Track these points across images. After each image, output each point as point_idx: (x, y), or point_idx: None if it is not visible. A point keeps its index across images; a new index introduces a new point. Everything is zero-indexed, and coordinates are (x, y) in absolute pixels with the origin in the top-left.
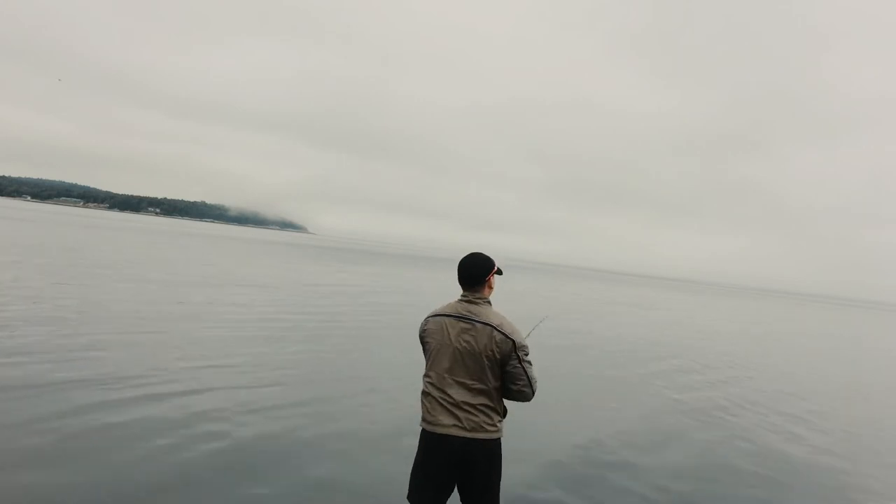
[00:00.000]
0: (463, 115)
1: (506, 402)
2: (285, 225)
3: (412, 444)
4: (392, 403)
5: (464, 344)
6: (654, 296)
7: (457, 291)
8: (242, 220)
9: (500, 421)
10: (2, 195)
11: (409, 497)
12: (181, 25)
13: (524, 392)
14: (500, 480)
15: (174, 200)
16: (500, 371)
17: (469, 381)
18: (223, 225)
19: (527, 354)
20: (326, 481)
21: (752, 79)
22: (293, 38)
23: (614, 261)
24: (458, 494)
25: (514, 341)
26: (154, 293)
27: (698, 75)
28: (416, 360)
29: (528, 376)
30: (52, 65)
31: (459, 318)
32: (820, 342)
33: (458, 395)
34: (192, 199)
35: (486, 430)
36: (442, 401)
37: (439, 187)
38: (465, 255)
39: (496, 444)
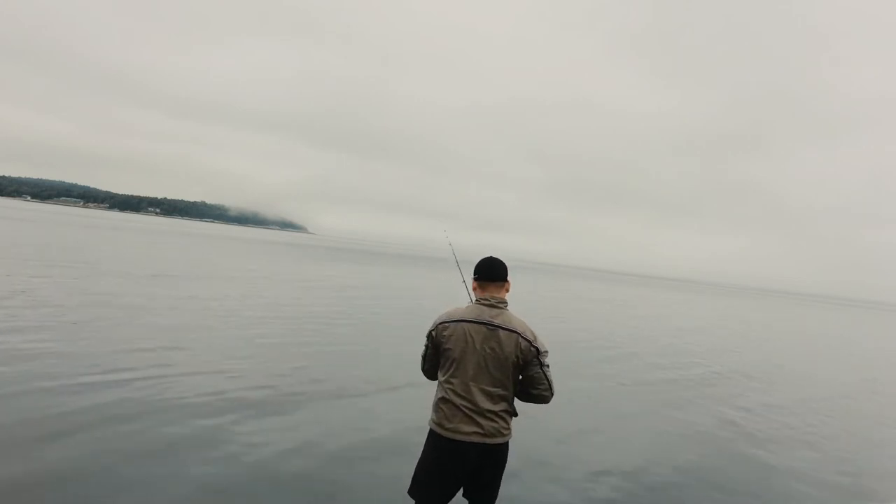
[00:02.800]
0: (463, 115)
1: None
2: (285, 225)
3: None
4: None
5: (489, 350)
6: (651, 295)
7: (460, 291)
8: (242, 220)
9: (511, 424)
10: (2, 195)
11: (410, 493)
12: (181, 25)
13: (544, 395)
14: (501, 479)
15: (174, 200)
16: (520, 376)
17: (492, 388)
18: (223, 225)
19: (547, 359)
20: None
21: (751, 79)
22: (293, 38)
23: (614, 261)
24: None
25: (537, 349)
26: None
27: (698, 75)
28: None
29: (548, 381)
30: (52, 65)
31: (482, 323)
32: (819, 341)
33: (482, 402)
34: (192, 199)
35: (502, 435)
36: (464, 408)
37: (439, 187)
38: (474, 255)
39: (507, 446)
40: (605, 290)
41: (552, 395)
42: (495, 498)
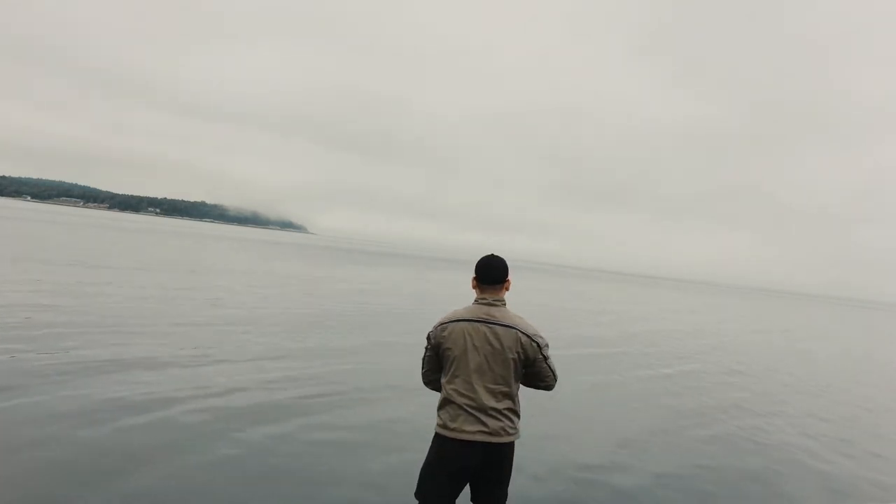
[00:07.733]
0: (474, 120)
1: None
2: (285, 225)
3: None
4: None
5: (489, 348)
6: (657, 295)
7: (462, 291)
8: (243, 220)
9: (517, 423)
10: (2, 195)
11: (417, 495)
12: (183, 26)
13: (550, 385)
14: (509, 479)
15: (174, 200)
16: (524, 372)
17: (494, 386)
18: (223, 225)
19: (548, 351)
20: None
21: (760, 82)
22: (301, 40)
23: (624, 261)
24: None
25: (538, 343)
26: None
27: (707, 79)
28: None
29: (552, 372)
30: (53, 64)
31: (481, 322)
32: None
33: (486, 399)
34: (192, 200)
35: (508, 434)
36: (467, 407)
37: (447, 190)
38: (482, 256)
39: (512, 446)
40: (612, 290)
41: (556, 381)
42: (504, 499)
